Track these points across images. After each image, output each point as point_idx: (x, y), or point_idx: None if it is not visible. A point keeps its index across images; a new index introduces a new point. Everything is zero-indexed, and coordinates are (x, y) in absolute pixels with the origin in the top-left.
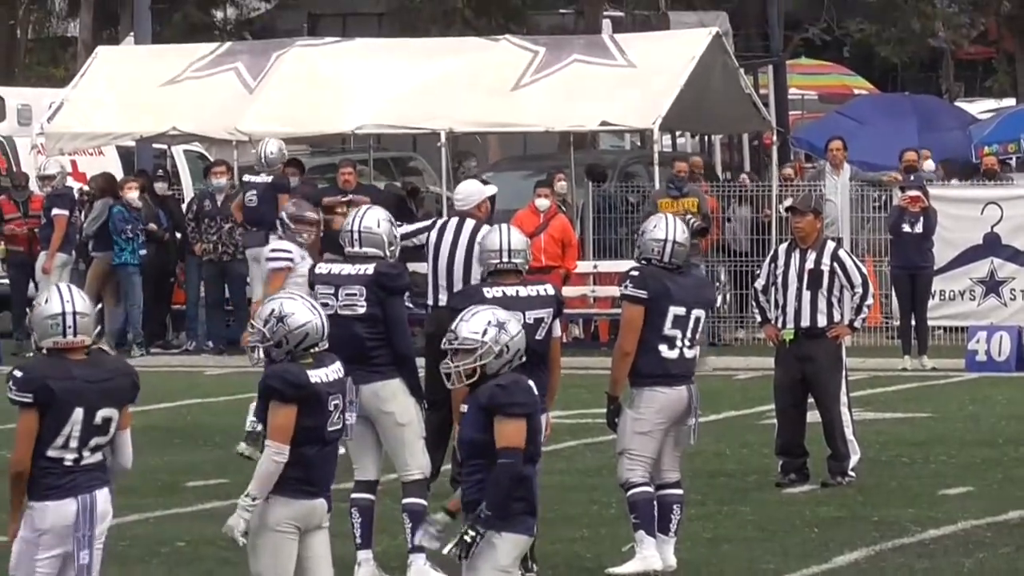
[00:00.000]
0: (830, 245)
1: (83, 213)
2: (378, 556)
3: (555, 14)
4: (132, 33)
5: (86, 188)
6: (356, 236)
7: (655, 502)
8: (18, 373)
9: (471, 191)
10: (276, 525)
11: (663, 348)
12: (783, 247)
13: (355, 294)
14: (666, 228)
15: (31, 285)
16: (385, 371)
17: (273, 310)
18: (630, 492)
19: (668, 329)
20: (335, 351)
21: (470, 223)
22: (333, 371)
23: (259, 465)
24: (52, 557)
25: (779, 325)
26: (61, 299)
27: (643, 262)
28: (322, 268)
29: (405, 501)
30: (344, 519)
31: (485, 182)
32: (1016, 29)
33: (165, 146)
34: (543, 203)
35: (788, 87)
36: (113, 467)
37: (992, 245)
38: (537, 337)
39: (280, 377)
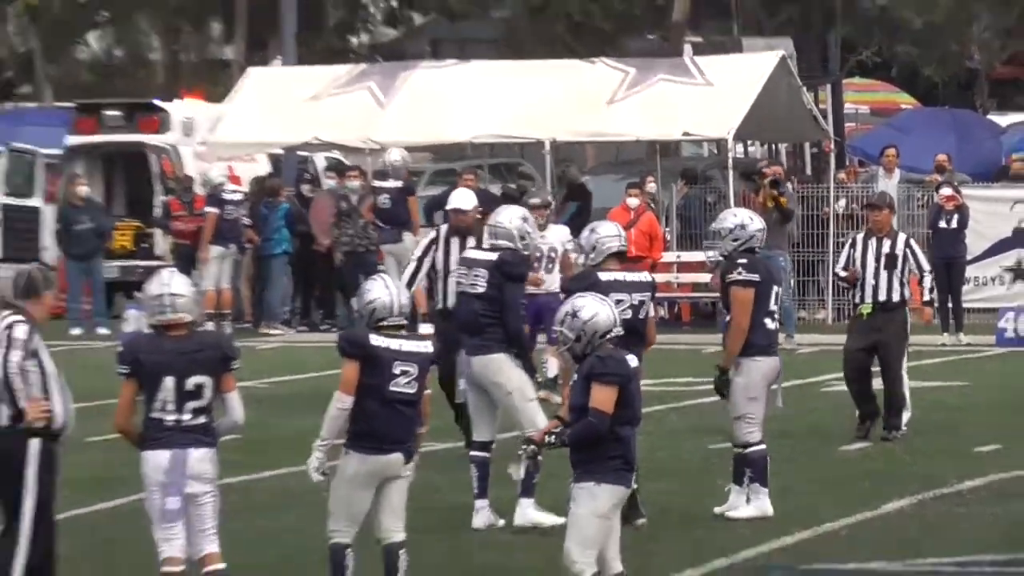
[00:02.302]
0: (901, 235)
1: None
2: (493, 503)
3: (643, 39)
4: (280, 56)
5: (245, 190)
6: (491, 230)
7: (767, 458)
8: (119, 349)
9: (467, 200)
10: (351, 478)
11: (768, 322)
12: (860, 236)
13: (480, 276)
14: (759, 220)
15: (193, 274)
16: (493, 346)
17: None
18: (749, 450)
19: (772, 305)
20: (458, 323)
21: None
22: (413, 344)
23: (327, 411)
24: (155, 497)
25: (857, 301)
26: (161, 283)
27: (738, 251)
28: (467, 253)
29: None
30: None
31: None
32: None
33: (307, 154)
34: (633, 201)
35: (843, 102)
36: (224, 424)
37: (1020, 238)
38: (640, 316)
39: (345, 337)
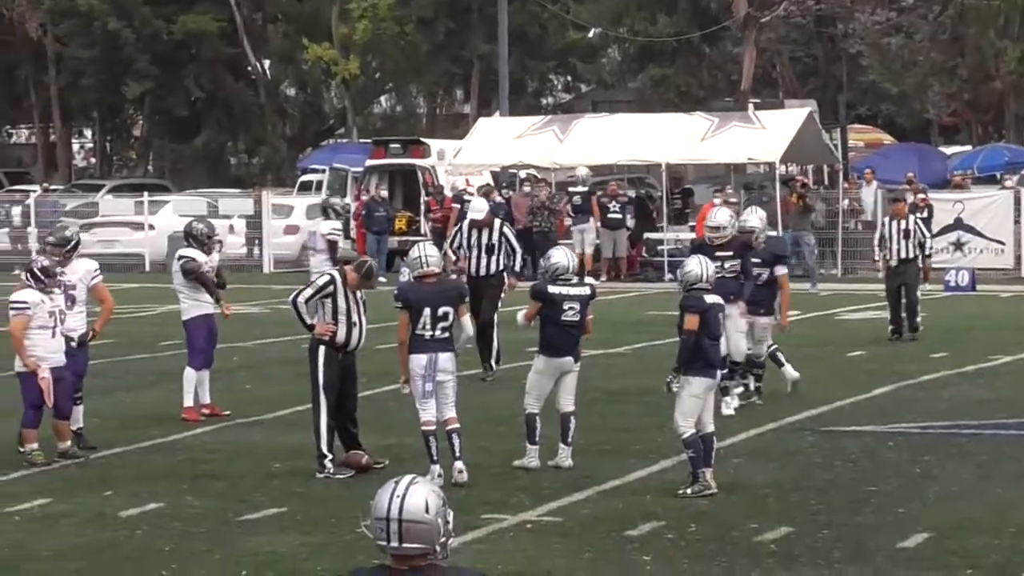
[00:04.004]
0: (911, 217)
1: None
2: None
3: (723, 101)
4: (498, 111)
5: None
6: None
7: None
8: (396, 292)
9: (482, 207)
10: (540, 371)
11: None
12: (887, 218)
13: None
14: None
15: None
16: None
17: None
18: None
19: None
20: (724, 292)
21: (484, 228)
22: (577, 289)
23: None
24: (418, 382)
25: (887, 257)
26: (420, 250)
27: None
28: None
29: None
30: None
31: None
32: (973, 108)
33: (514, 171)
34: (717, 200)
35: (848, 139)
36: (461, 337)
37: (958, 224)
38: (727, 277)
39: (534, 287)
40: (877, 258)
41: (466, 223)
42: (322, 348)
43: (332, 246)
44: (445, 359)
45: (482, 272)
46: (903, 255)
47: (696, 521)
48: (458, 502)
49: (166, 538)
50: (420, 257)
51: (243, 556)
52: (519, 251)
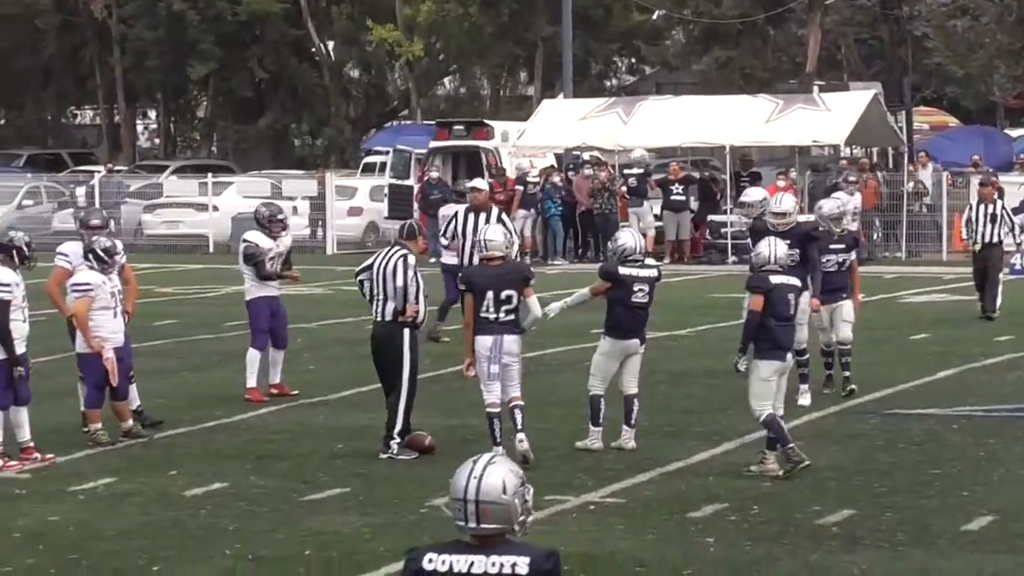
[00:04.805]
0: (999, 201)
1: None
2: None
3: (788, 83)
4: (562, 93)
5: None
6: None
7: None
8: (461, 274)
9: (482, 185)
10: (606, 353)
11: None
12: (975, 202)
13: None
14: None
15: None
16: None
17: None
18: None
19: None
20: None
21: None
22: (646, 271)
23: (575, 295)
24: (483, 364)
25: (973, 240)
26: (483, 233)
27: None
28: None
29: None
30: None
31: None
32: None
33: (578, 153)
34: (781, 183)
35: (912, 122)
36: (528, 318)
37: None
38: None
39: (603, 267)
40: (965, 238)
41: (462, 208)
42: (407, 331)
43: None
44: (510, 341)
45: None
46: (987, 239)
47: (759, 503)
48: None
49: (230, 517)
50: (480, 240)
51: (306, 536)
52: (516, 240)
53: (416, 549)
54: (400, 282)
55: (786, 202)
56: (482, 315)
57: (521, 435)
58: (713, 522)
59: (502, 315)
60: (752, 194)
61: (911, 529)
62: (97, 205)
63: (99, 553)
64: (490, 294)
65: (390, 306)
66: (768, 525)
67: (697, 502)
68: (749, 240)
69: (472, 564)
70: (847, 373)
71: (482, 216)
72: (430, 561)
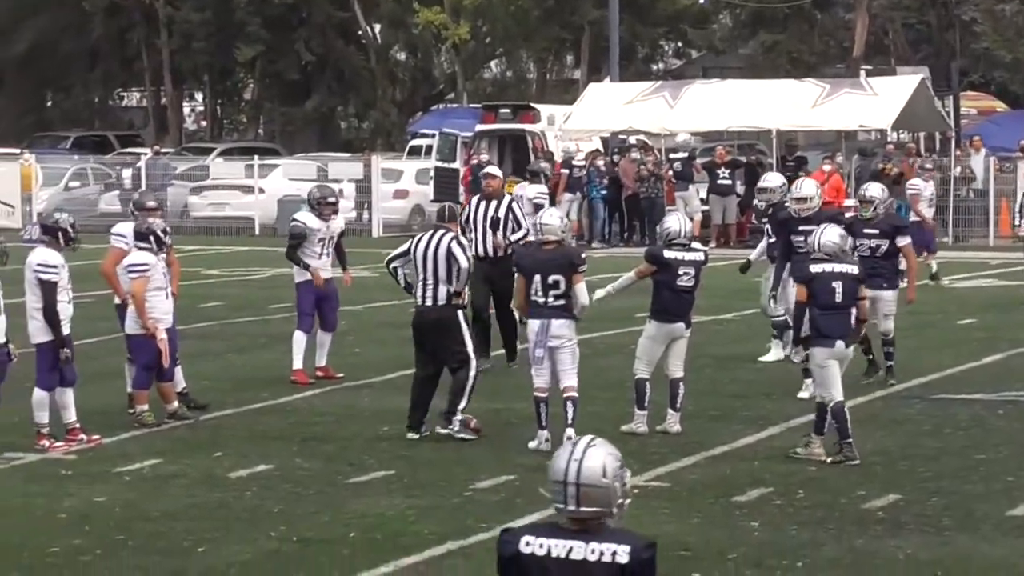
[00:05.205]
0: None
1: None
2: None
3: (835, 67)
4: (608, 76)
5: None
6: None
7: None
8: (514, 256)
9: (497, 172)
10: (652, 336)
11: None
12: None
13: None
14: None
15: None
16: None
17: None
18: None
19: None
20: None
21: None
22: (692, 255)
23: (622, 279)
24: (532, 347)
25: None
26: (538, 217)
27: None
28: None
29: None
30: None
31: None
32: None
33: (624, 137)
34: (827, 167)
35: (960, 107)
36: (576, 304)
37: None
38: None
39: (649, 250)
40: (1018, 223)
41: (475, 198)
42: (461, 312)
43: (538, 210)
44: (559, 325)
45: (489, 252)
46: None
47: (804, 488)
48: None
49: (275, 499)
50: (537, 224)
51: (351, 518)
52: (526, 229)
53: (511, 530)
54: (464, 263)
55: (807, 187)
56: (533, 298)
57: (570, 431)
58: (758, 506)
59: (551, 299)
60: (771, 179)
61: (956, 514)
62: (144, 187)
63: (145, 534)
64: (537, 278)
65: (442, 289)
66: (813, 510)
67: (742, 486)
68: (767, 226)
69: (571, 550)
70: (890, 364)
71: (492, 204)
72: (527, 544)
